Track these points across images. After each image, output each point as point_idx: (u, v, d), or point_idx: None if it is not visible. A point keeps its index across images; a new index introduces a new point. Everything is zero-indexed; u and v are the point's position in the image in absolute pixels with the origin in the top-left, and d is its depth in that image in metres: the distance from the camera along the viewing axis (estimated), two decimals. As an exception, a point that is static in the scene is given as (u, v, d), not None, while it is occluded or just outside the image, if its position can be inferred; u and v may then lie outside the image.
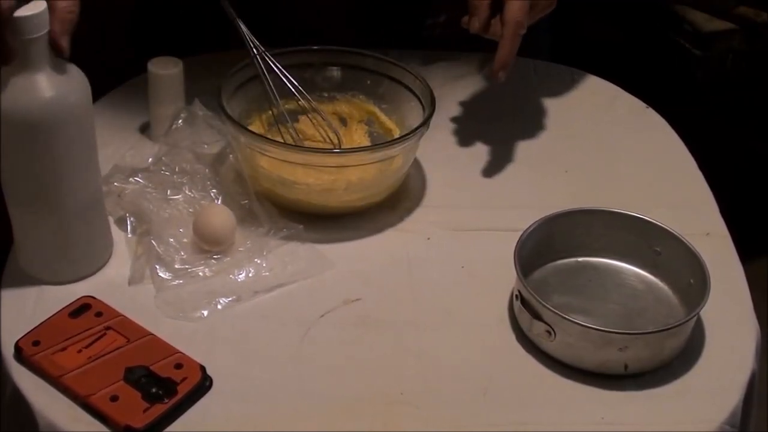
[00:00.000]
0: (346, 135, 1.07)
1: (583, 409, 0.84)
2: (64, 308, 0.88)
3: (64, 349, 0.84)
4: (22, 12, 0.80)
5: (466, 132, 1.16)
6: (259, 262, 0.95)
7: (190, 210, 0.98)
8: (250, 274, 0.94)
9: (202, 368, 0.84)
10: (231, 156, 1.04)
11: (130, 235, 0.97)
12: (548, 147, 1.14)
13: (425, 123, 1.01)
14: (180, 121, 1.05)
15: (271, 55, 1.04)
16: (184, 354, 0.85)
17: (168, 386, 0.82)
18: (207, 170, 1.02)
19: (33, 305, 0.89)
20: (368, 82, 1.09)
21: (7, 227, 1.00)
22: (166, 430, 0.80)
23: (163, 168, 1.01)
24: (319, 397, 0.84)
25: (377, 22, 1.21)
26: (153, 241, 0.94)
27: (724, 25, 1.91)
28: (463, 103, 1.18)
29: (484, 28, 1.04)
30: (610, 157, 1.14)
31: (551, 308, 0.86)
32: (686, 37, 1.91)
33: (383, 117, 1.09)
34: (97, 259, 0.93)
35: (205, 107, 1.07)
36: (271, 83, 1.04)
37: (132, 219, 0.97)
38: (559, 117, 1.19)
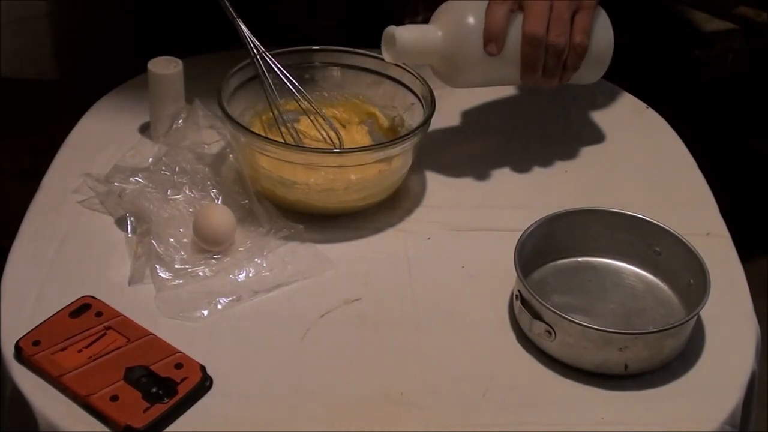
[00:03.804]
0: (346, 135, 1.07)
1: (583, 409, 0.84)
2: (64, 308, 0.88)
3: (64, 349, 0.84)
4: None
5: (466, 132, 1.16)
6: (259, 262, 0.95)
7: (190, 210, 0.98)
8: (250, 274, 0.94)
9: (202, 368, 0.84)
10: (231, 156, 1.04)
11: (130, 235, 0.97)
12: (548, 147, 1.14)
13: (425, 123, 1.01)
14: (180, 121, 1.05)
15: (271, 55, 1.04)
16: (184, 354, 0.85)
17: (168, 386, 0.82)
18: (207, 170, 1.01)
19: (33, 305, 0.89)
20: (368, 82, 1.09)
21: (6, 227, 1.01)
22: (166, 430, 0.80)
23: (163, 168, 1.01)
24: (319, 397, 0.84)
25: (356, 22, 1.21)
26: (153, 241, 0.94)
27: (724, 25, 1.91)
28: (463, 103, 1.18)
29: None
30: (610, 157, 1.14)
31: (551, 308, 0.85)
32: (686, 37, 1.91)
33: (383, 117, 1.09)
34: None
35: (205, 107, 1.07)
36: (271, 83, 1.04)
37: (132, 219, 0.97)
38: (559, 117, 1.19)
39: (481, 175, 1.09)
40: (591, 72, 1.07)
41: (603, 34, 1.05)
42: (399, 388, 0.85)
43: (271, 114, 1.05)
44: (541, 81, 1.02)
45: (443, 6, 1.03)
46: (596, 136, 1.17)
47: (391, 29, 1.00)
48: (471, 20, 1.00)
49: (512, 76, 1.03)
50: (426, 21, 1.04)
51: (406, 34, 1.00)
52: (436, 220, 1.02)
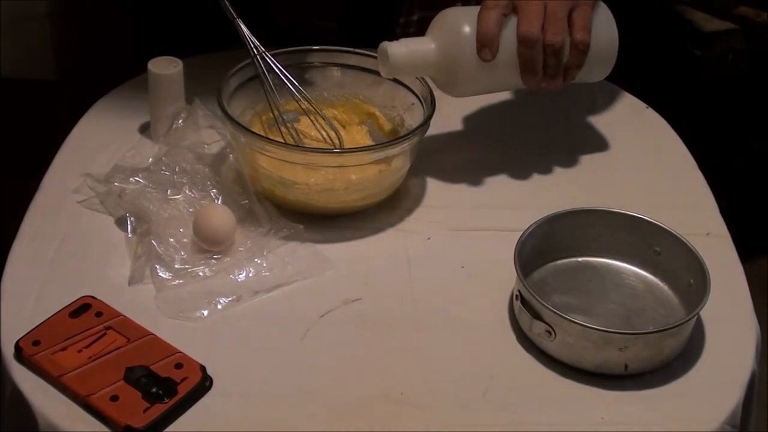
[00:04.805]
0: (346, 135, 1.07)
1: (583, 409, 0.84)
2: (64, 308, 0.88)
3: (64, 349, 0.84)
4: None
5: (466, 132, 1.16)
6: (259, 262, 0.95)
7: (190, 210, 0.98)
8: (250, 274, 0.94)
9: (202, 368, 0.84)
10: (231, 156, 1.04)
11: (130, 235, 0.97)
12: (548, 147, 1.14)
13: (425, 123, 1.01)
14: (180, 121, 1.05)
15: (271, 55, 1.04)
16: (184, 354, 0.85)
17: (168, 386, 0.82)
18: (207, 170, 1.02)
19: (33, 305, 0.89)
20: (368, 82, 1.09)
21: (6, 227, 1.01)
22: (166, 430, 0.80)
23: (163, 168, 1.01)
24: (319, 397, 0.84)
25: (356, 23, 1.21)
26: (153, 241, 0.94)
27: (724, 25, 1.91)
28: (463, 104, 1.18)
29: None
30: (610, 157, 1.14)
31: (551, 308, 0.86)
32: (686, 37, 1.91)
33: (383, 118, 1.09)
34: None
35: (205, 107, 1.07)
36: (271, 83, 1.04)
37: (132, 219, 0.97)
38: (559, 117, 1.19)
39: (481, 175, 1.09)
40: (597, 69, 1.06)
41: (606, 29, 1.04)
42: (399, 388, 0.85)
43: (271, 114, 1.05)
44: (545, 83, 1.02)
45: (437, 16, 1.02)
46: (596, 136, 1.17)
47: (385, 45, 0.99)
48: (464, 28, 0.99)
49: (514, 80, 1.02)
50: (421, 21, 1.03)
51: (398, 50, 0.99)
52: (436, 220, 1.02)
